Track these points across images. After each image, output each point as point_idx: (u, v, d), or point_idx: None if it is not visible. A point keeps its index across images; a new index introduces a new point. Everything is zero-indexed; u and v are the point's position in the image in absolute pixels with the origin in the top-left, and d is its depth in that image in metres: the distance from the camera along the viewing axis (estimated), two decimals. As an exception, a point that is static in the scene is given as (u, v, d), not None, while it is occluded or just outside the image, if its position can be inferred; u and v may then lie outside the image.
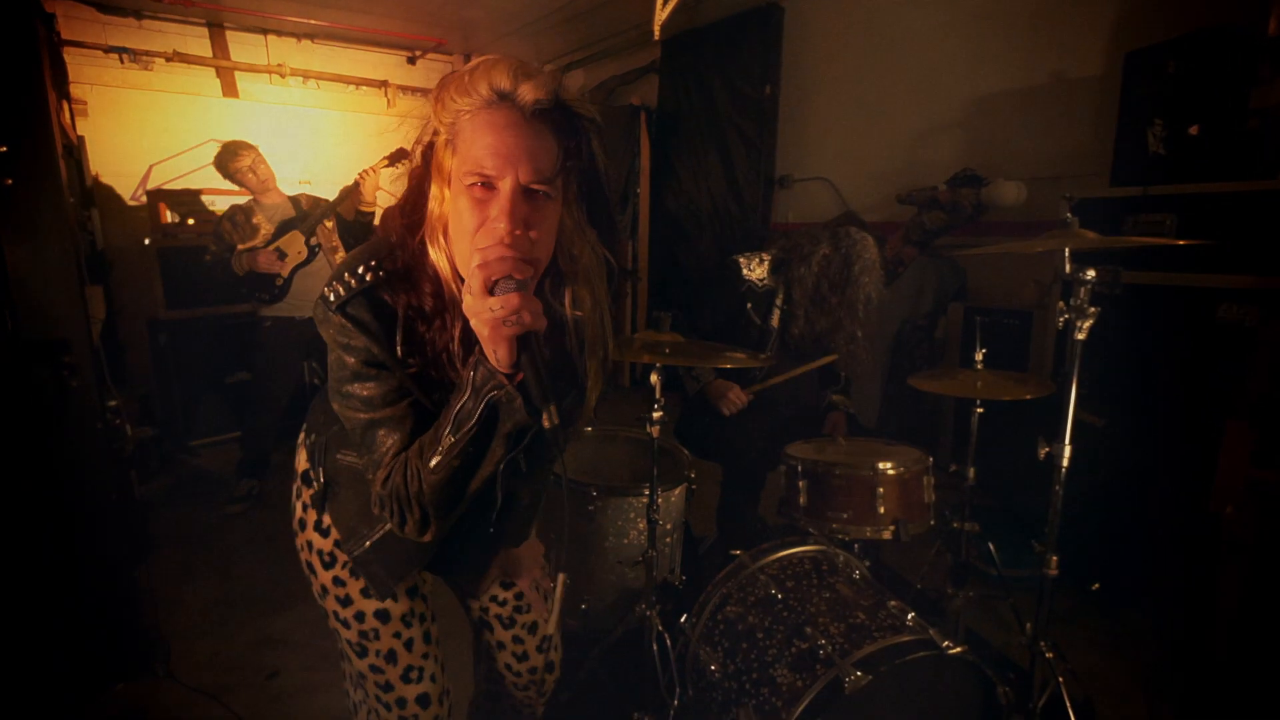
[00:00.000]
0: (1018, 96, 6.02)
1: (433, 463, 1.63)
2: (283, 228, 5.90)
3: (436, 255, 1.67)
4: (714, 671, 2.88)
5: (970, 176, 5.87)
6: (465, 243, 1.59)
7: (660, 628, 3.07)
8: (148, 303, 7.24)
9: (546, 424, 1.56)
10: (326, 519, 2.10)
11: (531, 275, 1.54)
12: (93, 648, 3.60)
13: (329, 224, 5.96)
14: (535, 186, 1.56)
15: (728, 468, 4.09)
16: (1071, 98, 5.62)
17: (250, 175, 5.86)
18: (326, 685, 3.79)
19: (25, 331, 3.25)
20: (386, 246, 1.73)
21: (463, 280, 1.63)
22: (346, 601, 2.12)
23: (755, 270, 4.19)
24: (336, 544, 2.09)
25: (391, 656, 2.14)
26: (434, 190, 1.65)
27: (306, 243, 5.92)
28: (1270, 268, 3.75)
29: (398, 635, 2.14)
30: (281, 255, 5.84)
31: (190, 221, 7.84)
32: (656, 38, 6.09)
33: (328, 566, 2.12)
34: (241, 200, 5.98)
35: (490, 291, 1.47)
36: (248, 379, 6.89)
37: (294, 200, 6.10)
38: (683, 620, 3.17)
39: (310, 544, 2.15)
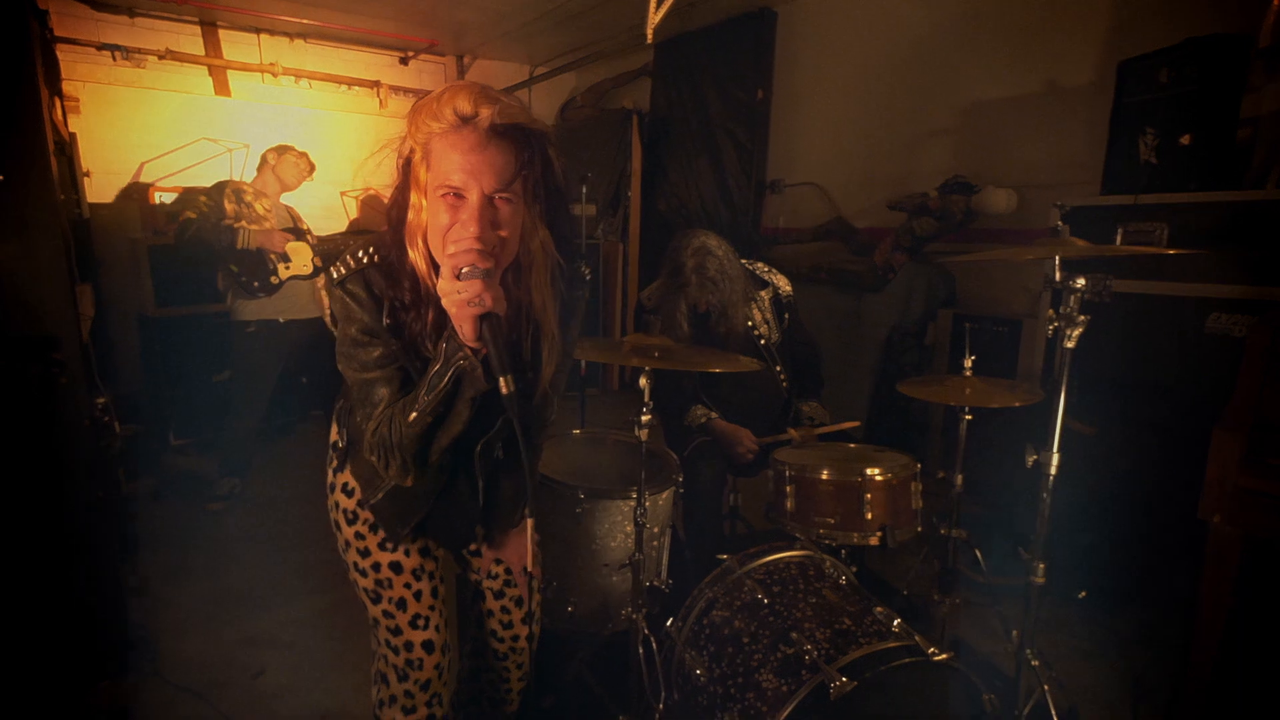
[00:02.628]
0: (1010, 104, 6.04)
1: (411, 417, 1.94)
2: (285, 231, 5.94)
3: (415, 256, 1.95)
4: (699, 676, 2.87)
5: (961, 183, 5.89)
6: (440, 245, 1.87)
7: (646, 631, 3.06)
8: (137, 300, 7.22)
9: (504, 390, 1.80)
10: (351, 482, 2.38)
11: (494, 266, 1.81)
12: (79, 646, 3.59)
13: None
14: (499, 195, 1.82)
15: (687, 473, 4.05)
16: (1063, 105, 5.64)
17: (292, 169, 6.06)
18: (312, 684, 3.79)
19: (14, 328, 3.25)
20: (382, 238, 2.02)
21: (438, 274, 1.88)
22: (365, 553, 2.41)
23: (652, 301, 4.24)
24: (359, 504, 2.37)
25: (402, 604, 2.42)
26: (413, 199, 1.91)
27: (312, 260, 6.06)
28: (1260, 277, 3.77)
29: (408, 586, 2.42)
30: (285, 259, 5.90)
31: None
32: (649, 41, 6.10)
33: (350, 523, 2.40)
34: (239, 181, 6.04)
35: (458, 277, 1.76)
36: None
37: (290, 211, 6.23)
38: (669, 624, 3.16)
39: (338, 504, 2.43)
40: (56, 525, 3.42)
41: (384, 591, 2.41)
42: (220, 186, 5.82)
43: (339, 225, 8.96)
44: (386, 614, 2.42)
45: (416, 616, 2.42)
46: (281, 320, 5.97)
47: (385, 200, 2.03)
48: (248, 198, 5.84)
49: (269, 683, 3.84)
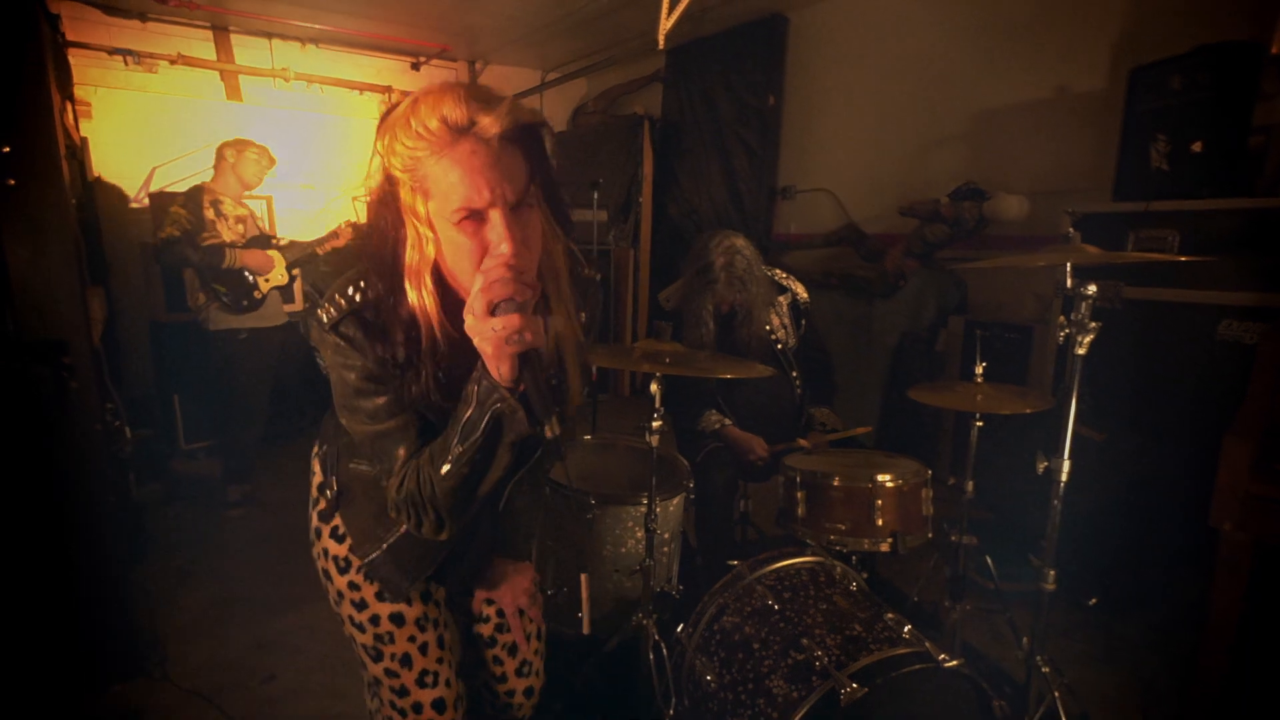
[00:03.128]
0: (1021, 110, 6.03)
1: (444, 470, 1.69)
2: (255, 241, 5.96)
3: (420, 298, 1.69)
4: (710, 682, 2.87)
5: (973, 190, 5.88)
6: (472, 272, 1.60)
7: (657, 637, 3.07)
8: (148, 305, 7.24)
9: (549, 434, 1.61)
10: (343, 527, 2.15)
11: (531, 296, 1.56)
12: (89, 649, 3.60)
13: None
14: (522, 205, 1.60)
15: (699, 479, 4.05)
16: (1075, 112, 5.63)
17: (253, 167, 5.95)
18: (322, 689, 3.79)
19: (25, 332, 3.26)
20: (367, 274, 1.77)
21: (451, 319, 1.69)
22: (362, 605, 2.16)
23: (673, 301, 4.24)
24: (351, 549, 2.13)
25: (406, 660, 2.17)
26: (410, 235, 1.66)
27: (288, 269, 6.08)
28: (1272, 285, 3.76)
29: (412, 639, 2.17)
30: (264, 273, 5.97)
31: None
32: (661, 47, 6.09)
33: (343, 571, 2.16)
34: (208, 188, 5.97)
35: (492, 313, 1.51)
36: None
37: (251, 214, 6.17)
38: (679, 630, 3.16)
39: (326, 551, 2.19)
40: (67, 529, 3.44)
41: (385, 648, 2.17)
42: (197, 195, 5.74)
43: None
44: (389, 673, 2.18)
45: (424, 673, 2.18)
46: (270, 326, 6.06)
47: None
48: (225, 208, 5.82)
49: (279, 687, 3.84)
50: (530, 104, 10.89)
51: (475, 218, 1.56)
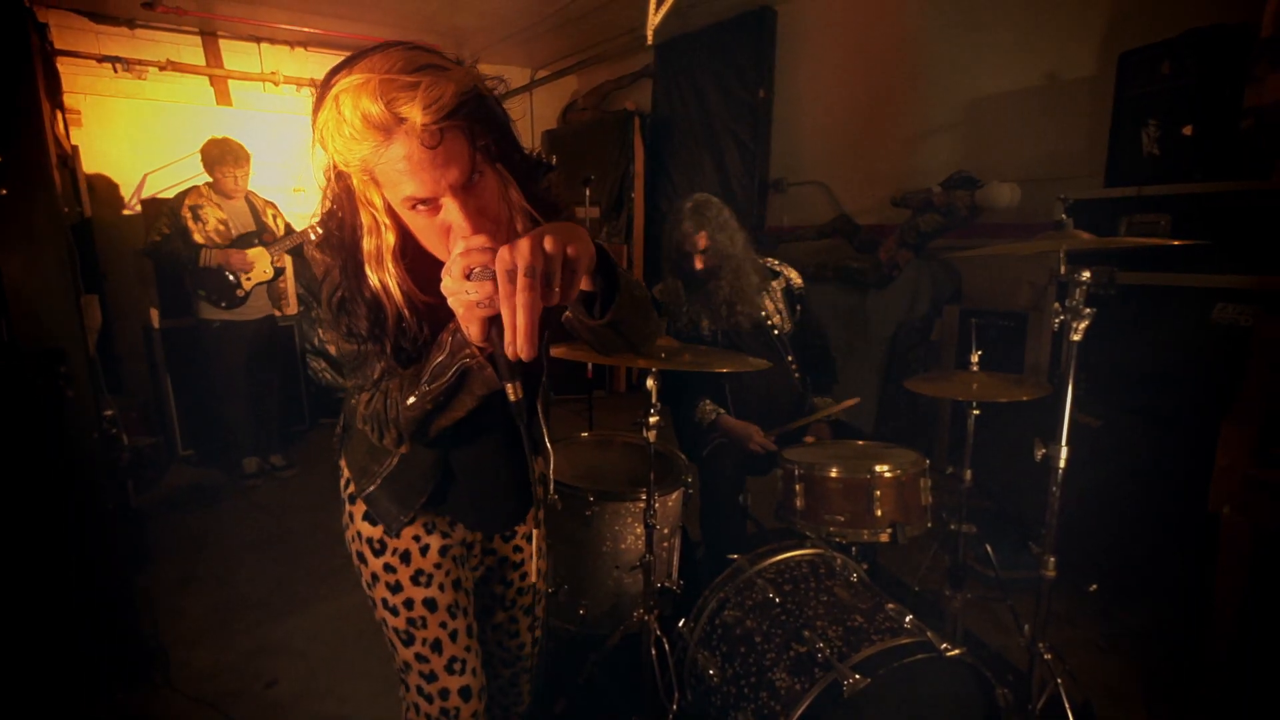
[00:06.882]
0: (1012, 98, 6.02)
1: (409, 401, 1.76)
2: (241, 240, 6.20)
3: (383, 279, 1.73)
4: (712, 676, 2.87)
5: (965, 178, 5.88)
6: (438, 249, 1.68)
7: (658, 632, 3.06)
8: (144, 311, 7.24)
9: (512, 397, 1.59)
10: (372, 509, 2.17)
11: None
12: (91, 657, 3.59)
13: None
14: (472, 178, 1.59)
15: (705, 473, 4.05)
16: (1065, 99, 5.63)
17: (231, 181, 6.16)
18: (325, 693, 3.79)
19: (21, 341, 3.25)
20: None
21: (424, 300, 1.75)
22: (396, 588, 2.18)
23: (665, 297, 4.38)
24: (385, 531, 2.15)
25: (437, 646, 2.19)
26: (367, 221, 1.68)
27: (272, 263, 6.33)
28: (1265, 267, 3.76)
29: (444, 625, 2.19)
30: (246, 270, 6.22)
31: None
32: (650, 42, 6.10)
33: (378, 554, 2.18)
34: (200, 188, 6.26)
35: (468, 278, 1.49)
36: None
37: (252, 208, 6.39)
38: (681, 625, 3.17)
39: (359, 534, 2.21)
40: (68, 537, 3.43)
41: (417, 632, 2.18)
42: (179, 201, 6.10)
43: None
44: (420, 658, 2.19)
45: (453, 660, 2.20)
46: (246, 320, 6.40)
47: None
48: (204, 213, 6.08)
49: (282, 691, 3.84)
50: (520, 102, 11.03)
51: (427, 204, 1.59)
